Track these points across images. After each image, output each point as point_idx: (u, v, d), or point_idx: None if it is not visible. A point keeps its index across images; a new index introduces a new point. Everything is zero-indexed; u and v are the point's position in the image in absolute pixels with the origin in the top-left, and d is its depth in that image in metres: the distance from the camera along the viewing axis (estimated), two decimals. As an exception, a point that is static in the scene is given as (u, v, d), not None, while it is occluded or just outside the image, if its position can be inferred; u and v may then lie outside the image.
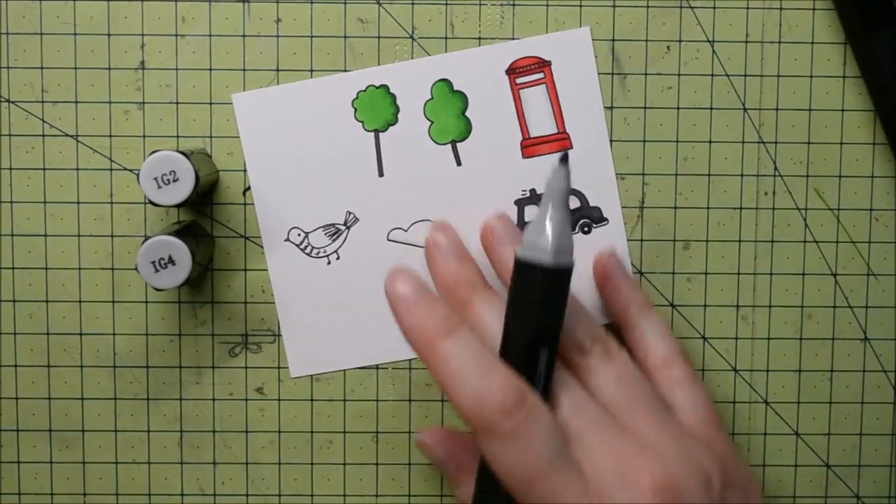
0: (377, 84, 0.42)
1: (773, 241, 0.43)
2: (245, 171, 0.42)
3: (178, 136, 0.42)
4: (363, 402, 0.44)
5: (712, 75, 0.43)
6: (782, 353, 0.44)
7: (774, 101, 0.43)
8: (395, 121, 0.42)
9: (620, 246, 0.43)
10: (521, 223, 0.42)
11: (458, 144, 0.42)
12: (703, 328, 0.44)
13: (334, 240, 0.42)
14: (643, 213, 0.43)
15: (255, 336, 0.43)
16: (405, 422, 0.44)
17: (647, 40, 0.42)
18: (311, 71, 0.42)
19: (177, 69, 0.42)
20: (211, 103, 0.42)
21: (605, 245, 0.42)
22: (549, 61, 0.42)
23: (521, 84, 0.42)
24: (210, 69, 0.42)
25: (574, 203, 0.42)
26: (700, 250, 0.43)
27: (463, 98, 0.42)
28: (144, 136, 0.42)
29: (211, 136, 0.42)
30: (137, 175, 0.39)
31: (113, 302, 0.43)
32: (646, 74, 0.43)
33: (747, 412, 0.44)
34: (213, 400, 0.43)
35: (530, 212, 0.42)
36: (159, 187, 0.37)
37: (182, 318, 0.43)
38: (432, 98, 0.42)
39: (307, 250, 0.42)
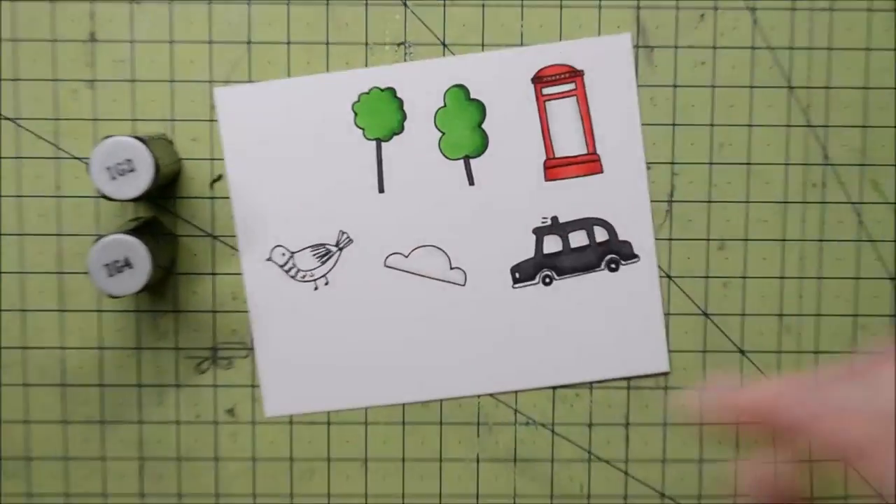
0: (382, 86, 0.41)
1: (822, 241, 0.43)
2: (213, 159, 0.41)
3: (134, 120, 0.41)
4: (350, 426, 0.42)
5: (753, 48, 0.42)
6: None
7: (825, 77, 0.42)
8: (400, 129, 0.41)
9: (651, 290, 0.41)
10: (539, 256, 0.41)
11: (472, 161, 0.42)
12: (741, 340, 0.43)
13: (324, 262, 0.41)
14: (672, 207, 0.42)
15: (226, 350, 0.42)
16: (398, 447, 0.42)
17: (677, 7, 0.42)
18: (288, 44, 0.41)
19: (132, 41, 0.41)
20: (172, 81, 0.41)
21: (632, 286, 0.41)
22: (582, 71, 0.42)
23: (548, 95, 0.41)
24: (171, 41, 0.41)
25: (601, 235, 0.42)
26: (737, 251, 0.42)
27: (480, 108, 0.41)
28: (95, 120, 0.41)
29: (173, 120, 0.41)
30: (87, 164, 0.37)
31: (61, 311, 0.42)
32: (676, 47, 0.42)
33: None
34: (178, 423, 0.42)
35: (550, 242, 0.41)
36: (113, 178, 0.36)
37: (141, 329, 0.42)
38: (445, 106, 0.42)
39: (292, 273, 0.42)
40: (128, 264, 0.36)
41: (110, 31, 0.41)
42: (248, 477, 0.42)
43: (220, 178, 0.41)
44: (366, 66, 0.41)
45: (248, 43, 0.41)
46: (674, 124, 0.42)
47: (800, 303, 0.42)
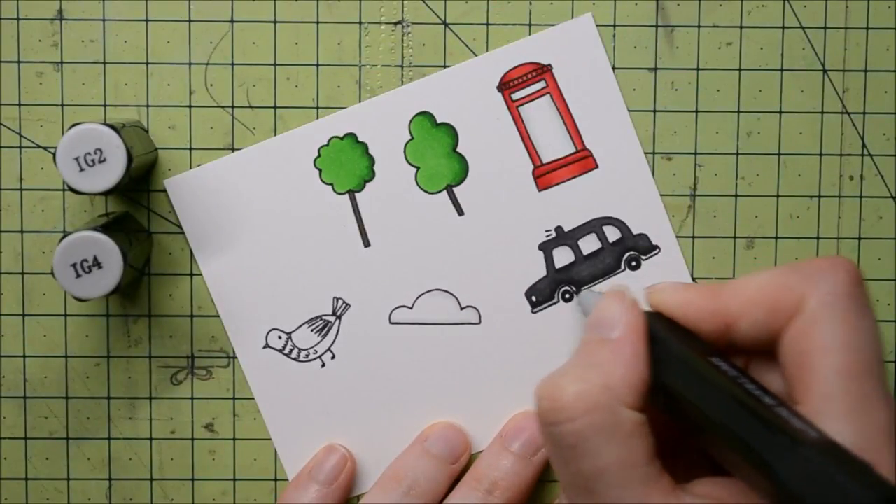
0: (341, 134, 0.41)
1: (860, 238, 0.43)
2: (191, 149, 0.41)
3: (105, 105, 0.42)
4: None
5: (783, 27, 0.42)
6: None
7: (862, 60, 0.42)
8: (371, 175, 0.41)
9: (680, 279, 0.41)
10: (552, 272, 0.41)
11: (456, 189, 0.41)
12: None
13: (324, 335, 0.41)
14: (695, 202, 0.42)
15: (204, 358, 0.42)
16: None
17: (700, -17, 0.42)
18: (275, 23, 0.41)
19: (104, 19, 0.41)
20: (147, 63, 0.41)
21: (659, 279, 0.41)
22: (549, 65, 0.41)
23: (519, 100, 0.41)
24: (146, 20, 0.41)
25: (613, 234, 0.41)
26: (767, 249, 0.42)
27: (450, 131, 0.41)
28: (63, 105, 0.42)
29: (147, 105, 0.41)
30: (54, 154, 0.37)
31: (23, 315, 0.42)
32: (699, 27, 0.42)
33: None
34: (151, 439, 0.43)
35: (560, 254, 0.41)
36: (82, 170, 0.36)
37: (111, 335, 0.42)
38: (413, 138, 0.41)
39: (293, 354, 0.41)
40: (97, 264, 0.36)
41: (79, 9, 0.41)
42: (229, 498, 0.42)
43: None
44: (359, 49, 0.40)
45: (231, 22, 0.40)
46: (696, 111, 0.42)
47: None
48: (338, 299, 0.41)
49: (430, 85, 0.40)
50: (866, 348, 0.29)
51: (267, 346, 0.41)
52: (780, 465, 0.27)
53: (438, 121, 0.41)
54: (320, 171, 0.41)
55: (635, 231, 0.41)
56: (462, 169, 0.41)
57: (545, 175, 0.41)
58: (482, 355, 0.41)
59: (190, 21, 0.40)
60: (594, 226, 0.41)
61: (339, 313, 0.41)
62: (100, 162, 0.36)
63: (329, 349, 0.41)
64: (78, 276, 0.36)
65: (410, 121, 0.41)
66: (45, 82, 0.41)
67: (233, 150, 0.41)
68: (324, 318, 0.41)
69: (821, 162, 0.42)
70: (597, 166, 0.41)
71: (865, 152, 0.42)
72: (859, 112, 0.42)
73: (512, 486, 0.39)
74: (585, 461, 0.28)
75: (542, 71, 0.41)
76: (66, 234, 0.36)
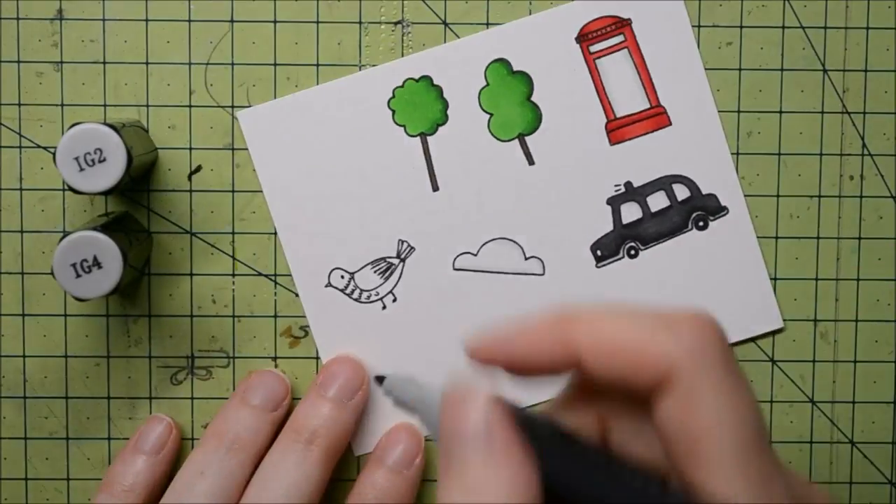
0: (416, 76, 0.41)
1: (860, 238, 0.43)
2: (191, 149, 0.41)
3: (105, 105, 0.42)
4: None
5: (783, 27, 0.42)
6: (872, 381, 0.43)
7: (862, 60, 0.42)
8: (444, 119, 0.41)
9: (748, 243, 0.41)
10: (619, 227, 0.41)
11: (528, 138, 0.41)
12: (772, 349, 0.43)
13: (387, 278, 0.41)
14: None
15: (204, 358, 0.42)
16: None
17: (700, -17, 0.42)
18: (275, 22, 0.41)
19: (104, 19, 0.41)
20: (147, 63, 0.41)
21: (726, 242, 0.41)
22: (629, 20, 0.41)
23: (596, 52, 0.41)
24: (146, 20, 0.41)
25: (682, 192, 0.41)
26: (768, 249, 0.42)
27: (526, 80, 0.41)
28: (63, 105, 0.42)
29: (147, 105, 0.41)
30: (54, 154, 0.37)
31: (23, 315, 0.42)
32: (699, 26, 0.42)
33: (828, 455, 0.43)
34: None
35: (628, 210, 0.41)
36: (82, 169, 0.36)
37: (111, 335, 0.42)
38: (488, 84, 0.41)
39: (355, 295, 0.41)
40: (97, 264, 0.36)
41: (79, 9, 0.41)
42: (229, 499, 0.42)
43: (198, 169, 0.41)
44: (359, 49, 0.40)
45: (231, 22, 0.40)
46: (697, 111, 0.41)
47: (836, 307, 0.42)
48: (403, 242, 0.41)
49: (509, 32, 0.41)
50: (751, 418, 0.27)
51: (329, 284, 0.41)
52: None
53: (514, 69, 0.41)
54: (393, 112, 0.41)
55: (705, 191, 0.41)
56: (535, 118, 0.41)
57: (618, 129, 0.41)
58: (545, 307, 0.40)
59: (190, 21, 0.41)
60: (664, 183, 0.41)
61: (403, 256, 0.41)
62: (100, 162, 0.36)
63: (391, 292, 0.41)
64: (78, 276, 0.36)
65: (486, 67, 0.41)
66: (45, 82, 0.41)
67: (233, 150, 0.41)
68: (388, 259, 0.41)
69: (821, 162, 0.42)
70: (670, 123, 0.41)
71: (865, 152, 0.42)
72: (859, 112, 0.42)
73: (331, 433, 0.39)
74: None
75: (621, 25, 0.41)
76: (66, 234, 0.36)
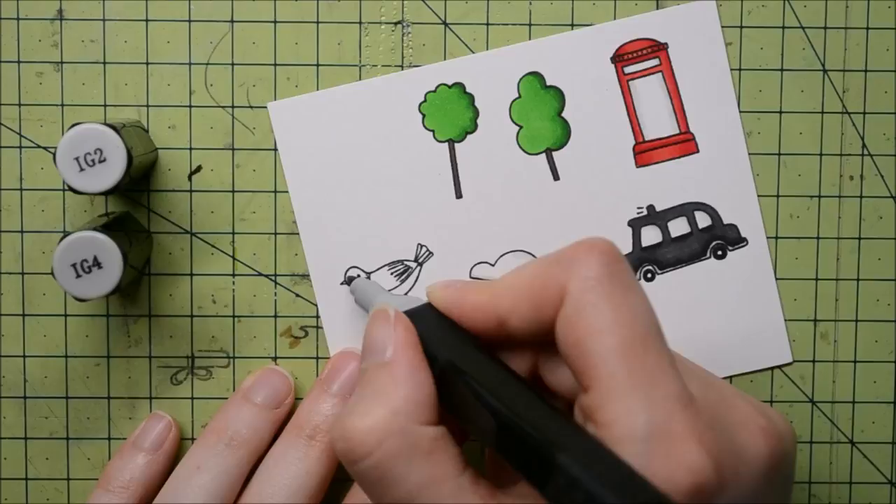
0: (450, 82, 0.41)
1: (860, 238, 0.42)
2: (191, 149, 0.41)
3: (105, 105, 0.42)
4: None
5: (783, 27, 0.42)
6: (872, 381, 0.43)
7: (862, 60, 0.42)
8: (473, 128, 0.41)
9: (765, 276, 0.41)
10: (638, 250, 0.41)
11: (555, 153, 0.41)
12: None
13: (403, 281, 0.41)
14: None
15: (204, 358, 0.42)
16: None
17: (700, -17, 0.41)
18: (275, 23, 0.41)
19: (104, 19, 0.41)
20: (147, 63, 0.41)
21: (743, 273, 0.41)
22: (666, 44, 0.41)
23: (630, 74, 0.41)
24: (146, 20, 0.41)
25: (703, 220, 0.41)
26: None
27: (558, 95, 0.41)
28: (63, 105, 0.41)
29: (147, 105, 0.41)
30: (54, 154, 0.37)
31: (23, 315, 0.42)
32: None
33: (828, 455, 0.43)
34: None
35: (648, 233, 0.41)
36: (82, 170, 0.36)
37: (111, 335, 0.42)
38: (520, 96, 0.41)
39: None
40: (97, 264, 0.36)
41: (79, 9, 0.41)
42: (229, 499, 0.42)
43: (199, 169, 0.41)
44: (359, 49, 0.40)
45: (231, 22, 0.40)
46: (697, 111, 0.41)
47: (836, 307, 0.42)
48: (422, 246, 0.41)
49: (545, 47, 0.41)
50: (637, 323, 0.29)
51: (345, 282, 0.41)
52: (543, 482, 0.27)
53: (548, 83, 0.41)
54: (424, 115, 0.41)
55: (726, 220, 0.41)
56: (564, 134, 0.41)
57: (645, 152, 0.41)
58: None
59: (190, 21, 0.40)
60: (686, 209, 0.41)
61: (421, 260, 0.41)
62: (100, 162, 0.36)
63: (406, 295, 0.41)
64: (78, 276, 0.36)
65: (520, 79, 0.41)
66: (45, 82, 0.41)
67: (233, 150, 0.41)
68: (405, 262, 0.41)
69: (821, 162, 0.42)
70: (697, 151, 0.41)
71: (865, 152, 0.42)
72: (859, 112, 0.42)
73: None
74: (395, 490, 0.28)
75: (657, 48, 0.41)
76: (66, 234, 0.36)
